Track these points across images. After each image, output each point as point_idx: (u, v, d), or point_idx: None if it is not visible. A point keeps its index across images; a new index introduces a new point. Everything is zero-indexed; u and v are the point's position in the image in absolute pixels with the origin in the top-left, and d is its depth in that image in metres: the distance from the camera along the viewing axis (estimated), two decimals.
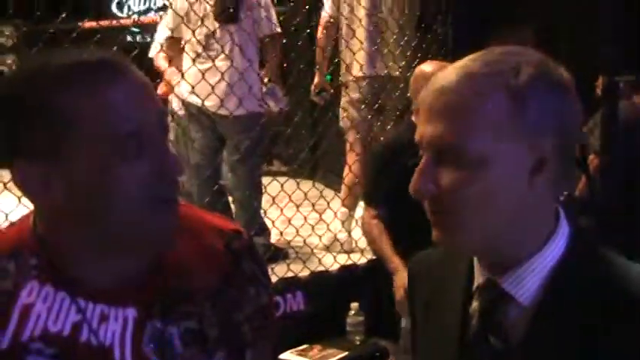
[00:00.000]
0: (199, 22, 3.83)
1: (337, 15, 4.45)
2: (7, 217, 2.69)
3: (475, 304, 1.12)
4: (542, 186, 1.03)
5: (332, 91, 4.64)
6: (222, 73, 3.73)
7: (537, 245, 1.06)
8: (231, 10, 3.90)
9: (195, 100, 3.89)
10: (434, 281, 1.24)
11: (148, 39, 10.03)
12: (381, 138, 4.15)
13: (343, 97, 4.53)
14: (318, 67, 4.59)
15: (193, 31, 3.82)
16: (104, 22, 6.99)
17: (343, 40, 4.48)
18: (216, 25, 3.93)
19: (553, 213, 1.09)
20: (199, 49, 3.88)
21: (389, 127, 4.29)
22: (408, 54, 4.41)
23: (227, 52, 3.86)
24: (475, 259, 1.14)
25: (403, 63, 4.34)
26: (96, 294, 1.09)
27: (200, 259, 1.16)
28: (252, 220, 3.98)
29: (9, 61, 8.99)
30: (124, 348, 1.09)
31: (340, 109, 4.57)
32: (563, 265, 1.06)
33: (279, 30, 4.20)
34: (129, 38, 11.43)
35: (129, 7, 12.51)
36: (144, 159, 1.02)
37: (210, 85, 3.70)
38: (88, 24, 5.74)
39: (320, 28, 4.54)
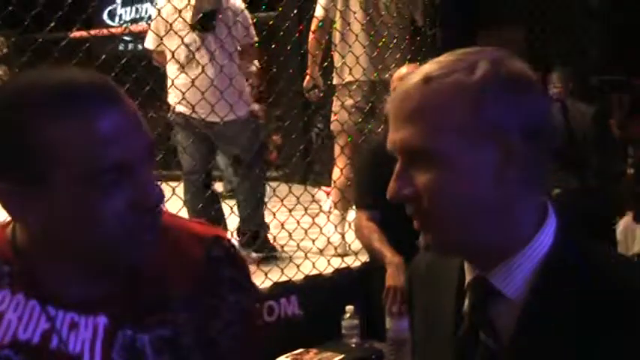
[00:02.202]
0: (177, 34, 3.87)
1: (327, 17, 4.47)
2: None
3: (467, 300, 1.13)
4: (514, 182, 1.03)
5: (323, 87, 4.67)
6: (193, 81, 3.75)
7: (522, 240, 1.07)
8: (206, 21, 3.97)
9: (181, 108, 3.98)
10: (429, 283, 1.25)
11: (140, 47, 10.07)
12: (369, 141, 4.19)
13: (335, 101, 4.54)
14: (309, 66, 4.62)
15: (161, 42, 3.93)
16: (95, 31, 6.98)
17: (333, 44, 4.50)
18: (194, 35, 3.98)
19: (537, 208, 1.09)
20: (180, 59, 3.95)
21: (380, 130, 4.31)
22: (398, 56, 4.43)
23: (202, 61, 3.90)
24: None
25: (393, 66, 4.36)
26: (67, 302, 1.10)
27: (176, 267, 1.16)
28: (256, 220, 4.14)
29: (0, 72, 8.94)
30: (94, 356, 1.10)
31: (332, 113, 4.58)
32: (550, 260, 1.07)
33: (254, 40, 4.27)
34: (120, 47, 11.44)
35: (120, 16, 12.50)
36: (123, 191, 1.01)
37: (181, 92, 3.78)
38: (79, 33, 5.74)
39: (311, 30, 4.57)
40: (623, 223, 5.32)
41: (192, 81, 3.75)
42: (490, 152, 1.02)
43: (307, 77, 4.64)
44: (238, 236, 4.20)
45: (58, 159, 0.99)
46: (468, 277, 1.13)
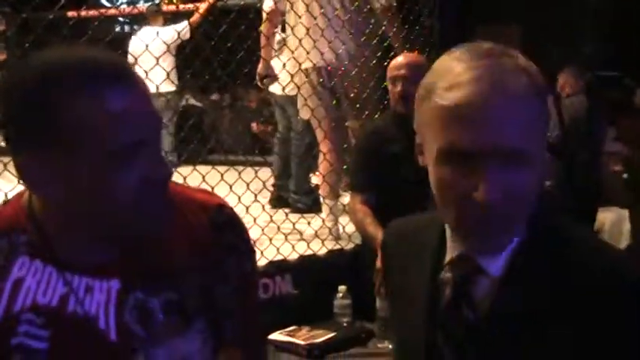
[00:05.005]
0: None
1: (279, 4, 4.43)
2: (6, 195, 2.77)
3: (448, 275, 1.18)
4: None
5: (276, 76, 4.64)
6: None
7: None
8: None
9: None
10: (407, 250, 1.29)
11: (136, 29, 10.08)
12: (351, 126, 4.24)
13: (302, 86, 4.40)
14: (262, 54, 4.60)
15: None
16: (93, 13, 7.03)
17: (291, 28, 4.38)
18: None
19: None
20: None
21: (364, 116, 4.30)
22: (374, 42, 4.38)
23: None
24: (448, 233, 1.19)
25: (353, 51, 4.31)
26: (82, 268, 1.16)
27: (182, 234, 1.22)
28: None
29: None
30: (108, 317, 1.16)
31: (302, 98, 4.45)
32: (529, 241, 1.13)
33: None
34: (117, 29, 11.41)
35: None
36: (137, 166, 1.07)
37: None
38: (72, 14, 5.77)
39: (265, 16, 4.53)
40: (610, 218, 5.40)
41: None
42: (544, 153, 1.11)
43: (260, 66, 4.62)
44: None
45: (80, 136, 1.04)
46: (451, 253, 1.18)
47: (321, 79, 4.34)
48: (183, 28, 6.14)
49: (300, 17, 4.30)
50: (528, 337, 1.10)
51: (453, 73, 1.07)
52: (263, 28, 4.58)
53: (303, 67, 4.31)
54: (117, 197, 1.07)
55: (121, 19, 11.51)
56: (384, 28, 4.33)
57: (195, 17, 6.45)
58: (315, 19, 4.24)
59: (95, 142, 1.04)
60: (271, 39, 4.60)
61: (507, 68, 1.06)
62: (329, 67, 4.33)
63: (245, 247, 1.31)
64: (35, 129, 1.06)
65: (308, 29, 4.23)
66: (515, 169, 1.06)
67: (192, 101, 9.49)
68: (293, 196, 5.03)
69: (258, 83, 4.80)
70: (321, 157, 4.38)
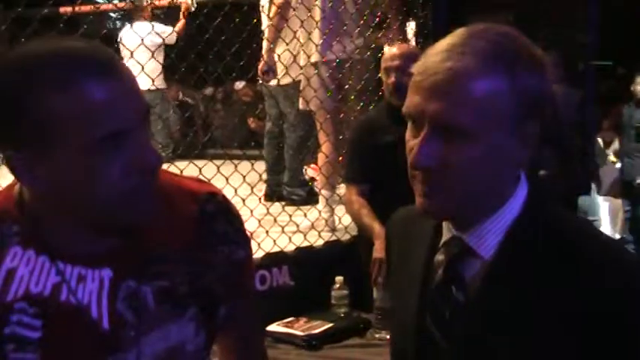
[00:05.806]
0: None
1: (285, 3, 4.39)
2: None
3: (440, 257, 1.21)
4: (517, 159, 1.13)
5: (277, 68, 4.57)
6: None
7: (498, 204, 1.16)
8: None
9: None
10: (405, 235, 1.32)
11: (126, 24, 10.05)
12: (351, 118, 4.23)
13: (311, 79, 4.40)
14: (269, 46, 4.53)
15: None
16: (85, 8, 7.00)
17: (298, 21, 4.38)
18: None
19: (516, 175, 1.17)
20: None
21: (358, 107, 4.32)
22: (368, 35, 4.40)
23: None
24: None
25: (360, 43, 4.35)
26: (75, 257, 1.17)
27: (172, 223, 1.23)
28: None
29: None
30: (101, 306, 1.17)
31: (304, 91, 4.46)
32: (519, 223, 1.15)
33: None
34: (110, 25, 11.37)
35: None
36: (122, 157, 1.07)
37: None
38: (65, 9, 5.77)
39: (274, 8, 4.47)
40: (609, 205, 5.43)
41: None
42: (509, 133, 1.09)
43: (262, 62, 4.57)
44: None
45: (59, 128, 1.04)
46: (446, 235, 1.21)
47: (316, 71, 4.35)
48: (168, 31, 6.27)
49: (294, 10, 4.31)
50: (515, 320, 1.12)
51: (432, 47, 1.13)
52: (268, 29, 4.53)
53: (302, 62, 4.34)
54: (103, 188, 1.07)
55: (113, 14, 11.46)
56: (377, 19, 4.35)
57: (180, 25, 6.61)
58: (309, 11, 4.26)
59: (76, 133, 1.04)
60: (275, 33, 4.50)
61: (473, 46, 1.09)
62: (324, 59, 4.34)
63: (237, 234, 1.31)
64: (14, 124, 1.06)
65: (302, 22, 4.24)
66: (451, 141, 1.08)
67: (186, 97, 9.47)
68: (287, 188, 5.02)
69: (260, 78, 4.75)
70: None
